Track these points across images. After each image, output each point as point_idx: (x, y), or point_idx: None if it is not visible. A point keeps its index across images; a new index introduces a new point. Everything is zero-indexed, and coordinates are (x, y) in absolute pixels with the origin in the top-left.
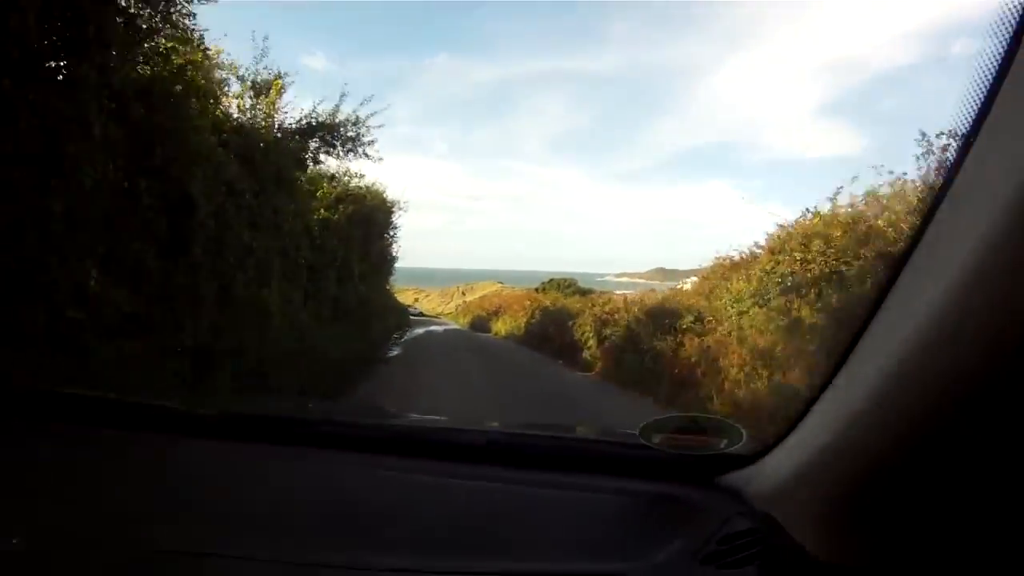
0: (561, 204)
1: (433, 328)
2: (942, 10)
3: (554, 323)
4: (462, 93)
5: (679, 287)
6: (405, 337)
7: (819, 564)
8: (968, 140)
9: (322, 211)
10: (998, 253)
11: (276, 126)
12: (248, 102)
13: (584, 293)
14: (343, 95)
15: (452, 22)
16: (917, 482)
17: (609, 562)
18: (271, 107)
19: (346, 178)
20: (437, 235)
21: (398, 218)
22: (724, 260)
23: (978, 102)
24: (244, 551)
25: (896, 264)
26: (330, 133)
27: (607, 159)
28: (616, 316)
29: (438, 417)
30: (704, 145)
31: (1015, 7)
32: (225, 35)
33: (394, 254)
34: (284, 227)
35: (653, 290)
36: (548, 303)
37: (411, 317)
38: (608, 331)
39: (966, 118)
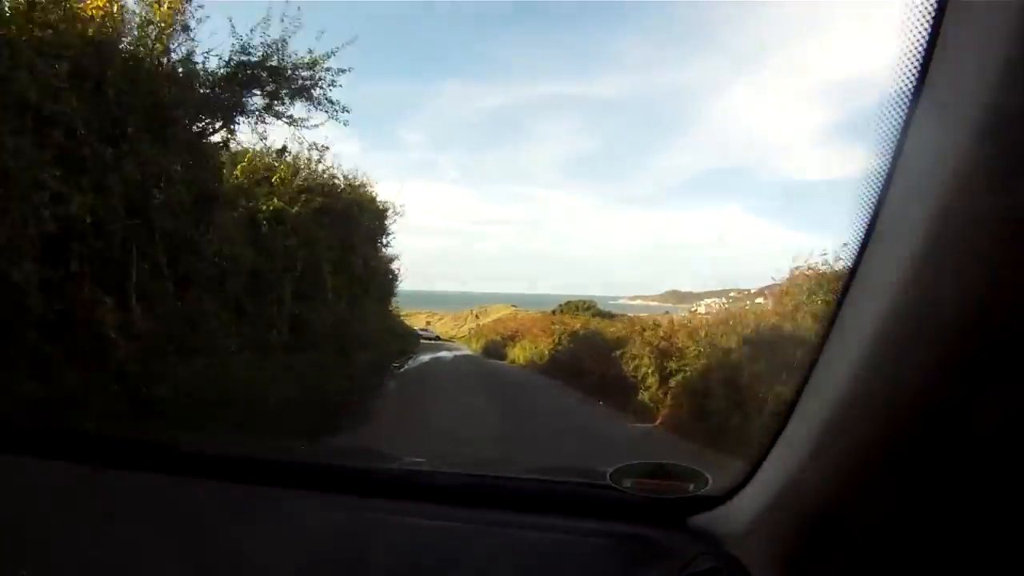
0: (573, 228)
1: (442, 355)
2: None
3: (590, 351)
4: (473, 118)
5: (693, 310)
6: (406, 366)
7: None
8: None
9: (275, 200)
10: (923, 277)
11: (175, 52)
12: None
13: (605, 316)
14: (287, 20)
15: (462, 47)
16: (871, 519)
17: None
18: (159, 14)
19: (315, 163)
20: (449, 258)
21: (393, 223)
22: (809, 272)
23: (892, 144)
24: None
25: (840, 293)
26: (273, 77)
27: (618, 182)
28: (677, 343)
29: (419, 459)
30: (715, 168)
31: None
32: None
33: (395, 270)
34: (168, 199)
35: (696, 311)
36: (578, 326)
37: (424, 341)
38: (673, 365)
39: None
